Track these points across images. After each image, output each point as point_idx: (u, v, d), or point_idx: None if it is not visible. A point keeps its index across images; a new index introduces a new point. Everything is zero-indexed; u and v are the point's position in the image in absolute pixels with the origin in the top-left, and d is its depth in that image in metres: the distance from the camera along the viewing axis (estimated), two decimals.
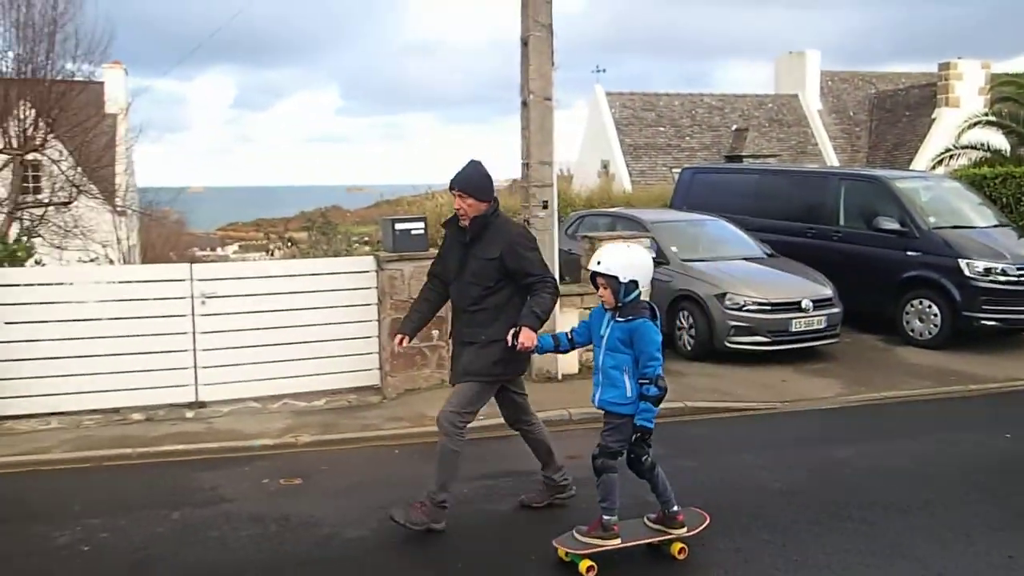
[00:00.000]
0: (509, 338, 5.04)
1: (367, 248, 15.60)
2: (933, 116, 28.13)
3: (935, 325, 10.65)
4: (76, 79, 17.14)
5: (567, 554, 4.74)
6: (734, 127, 29.06)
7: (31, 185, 18.15)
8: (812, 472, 6.43)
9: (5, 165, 15.60)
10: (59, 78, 16.41)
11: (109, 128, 21.38)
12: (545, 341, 5.16)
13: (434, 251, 6.22)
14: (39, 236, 14.71)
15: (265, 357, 8.17)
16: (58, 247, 16.11)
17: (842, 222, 11.95)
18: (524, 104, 8.97)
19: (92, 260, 14.64)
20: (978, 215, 11.78)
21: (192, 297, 7.99)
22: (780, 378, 9.28)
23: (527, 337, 5.01)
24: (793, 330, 9.90)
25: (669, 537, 4.90)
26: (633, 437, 4.72)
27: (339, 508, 5.74)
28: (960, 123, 20.14)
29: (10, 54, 15.92)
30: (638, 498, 5.21)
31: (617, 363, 4.78)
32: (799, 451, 7.01)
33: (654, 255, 9.86)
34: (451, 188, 5.31)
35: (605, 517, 4.78)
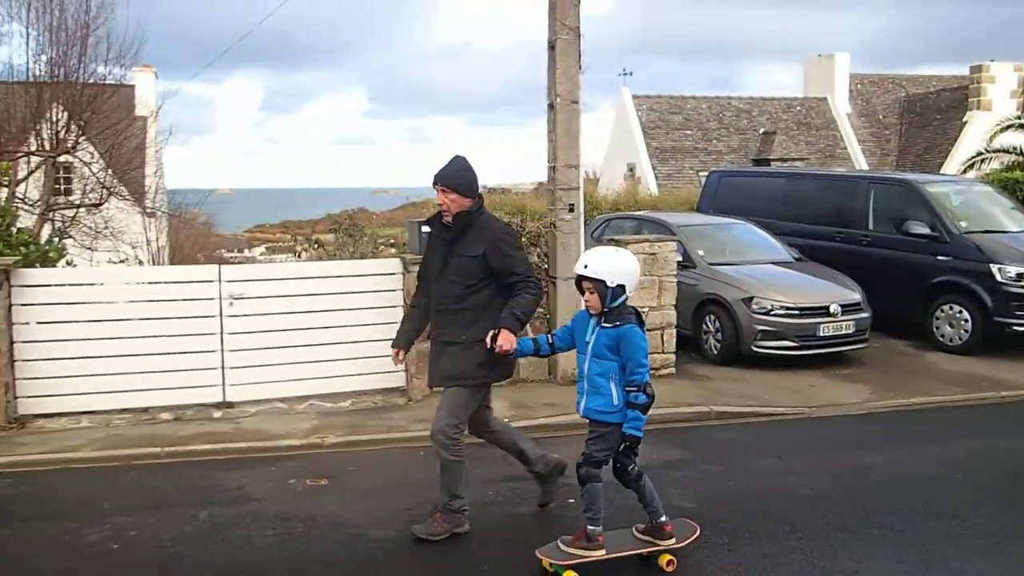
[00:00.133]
0: (488, 340, 4.91)
1: (393, 250, 15.64)
2: (964, 119, 27.83)
3: (966, 331, 10.51)
4: (107, 82, 17.34)
5: (551, 565, 4.65)
6: (762, 130, 28.90)
7: (63, 187, 18.39)
8: (840, 478, 6.37)
9: (38, 167, 15.81)
10: (91, 81, 16.61)
11: (139, 131, 21.60)
12: (525, 344, 5.02)
13: None
14: (70, 237, 14.91)
15: (292, 358, 8.21)
16: (89, 248, 16.33)
17: (871, 226, 11.83)
18: (551, 107, 8.97)
19: (122, 261, 14.84)
20: (1010, 219, 11.61)
21: (220, 298, 8.04)
22: (808, 383, 9.21)
23: (506, 340, 4.88)
24: (821, 335, 9.82)
25: (657, 549, 4.78)
26: (621, 446, 4.61)
27: (365, 509, 5.76)
28: (992, 126, 19.87)
29: (43, 57, 16.14)
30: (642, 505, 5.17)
31: (603, 370, 4.65)
32: (827, 456, 6.94)
33: (680, 259, 9.86)
34: (434, 183, 5.19)
35: (589, 527, 4.68)
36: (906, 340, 11.10)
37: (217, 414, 7.95)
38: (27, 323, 7.65)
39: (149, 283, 8.24)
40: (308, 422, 7.73)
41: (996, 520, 5.55)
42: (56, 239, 11.16)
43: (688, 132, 29.11)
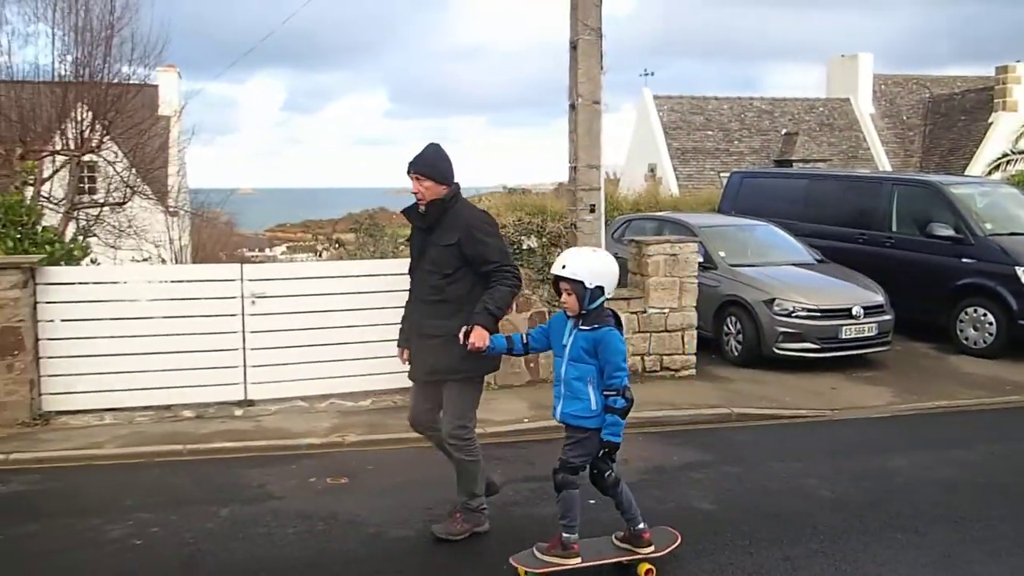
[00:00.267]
0: (460, 336, 4.72)
1: None
2: (990, 120, 27.57)
3: (990, 334, 10.41)
4: (131, 82, 17.45)
5: (526, 572, 4.57)
6: (784, 131, 28.72)
7: (87, 186, 18.53)
8: (862, 481, 6.32)
9: (63, 166, 15.94)
10: (115, 81, 16.72)
11: (163, 130, 21.76)
12: (498, 342, 4.80)
13: None
14: (94, 235, 15.01)
15: (313, 357, 8.25)
16: (112, 247, 16.45)
17: (894, 228, 11.76)
18: (572, 107, 8.97)
19: (145, 259, 14.96)
20: None
21: (242, 297, 8.10)
22: (830, 385, 9.15)
23: (478, 336, 4.67)
24: (843, 337, 9.76)
25: (636, 557, 4.66)
26: (600, 452, 4.49)
27: (385, 508, 5.77)
28: (1017, 128, 19.73)
29: (68, 58, 16.24)
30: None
31: (581, 374, 4.51)
32: (849, 459, 6.89)
33: (702, 260, 9.82)
34: (408, 171, 5.02)
35: (565, 535, 4.58)
36: (929, 343, 11.02)
37: (239, 412, 8.00)
38: (52, 320, 7.73)
39: (172, 281, 8.31)
40: (328, 421, 7.76)
41: (1021, 525, 5.49)
42: (81, 237, 11.23)
43: (709, 133, 28.99)
